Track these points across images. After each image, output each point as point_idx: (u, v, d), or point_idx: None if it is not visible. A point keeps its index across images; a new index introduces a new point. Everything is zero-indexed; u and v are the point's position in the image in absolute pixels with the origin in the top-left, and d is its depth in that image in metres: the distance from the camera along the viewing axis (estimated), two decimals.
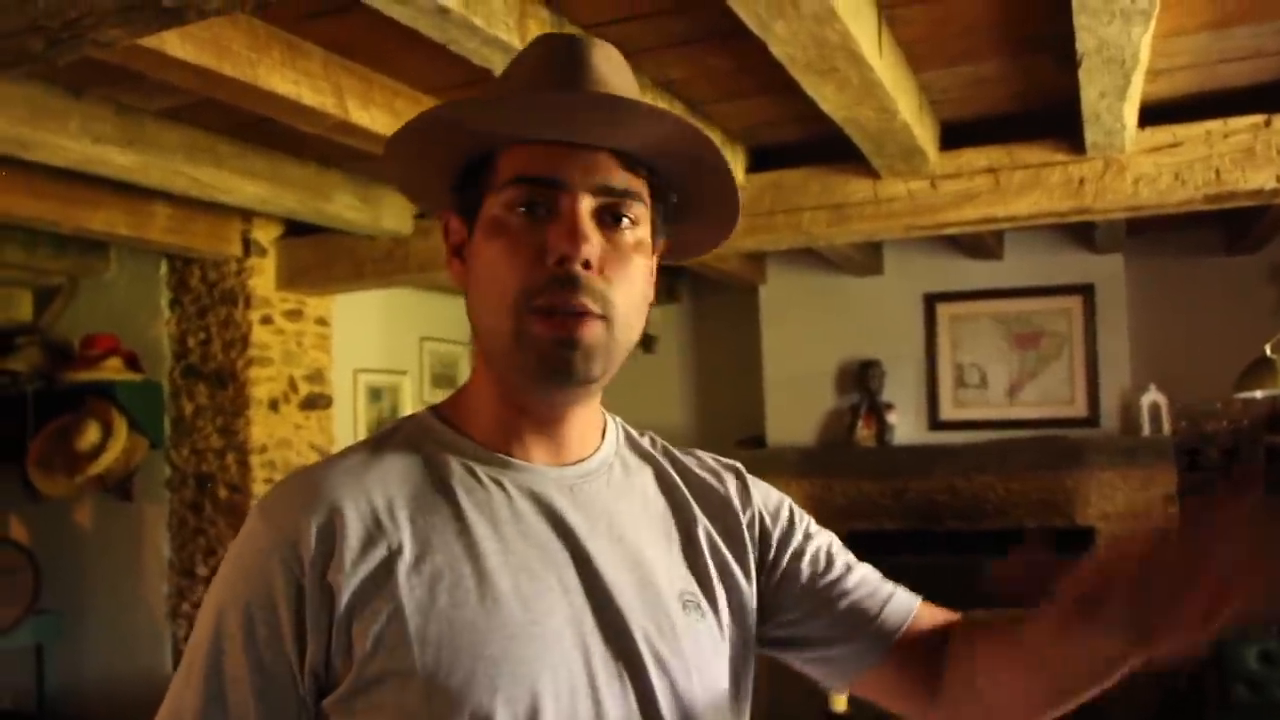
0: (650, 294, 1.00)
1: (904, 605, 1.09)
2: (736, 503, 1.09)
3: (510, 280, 0.90)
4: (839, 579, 1.08)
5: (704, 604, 1.00)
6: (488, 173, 0.94)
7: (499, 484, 0.96)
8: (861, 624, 1.06)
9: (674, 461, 1.10)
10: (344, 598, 0.86)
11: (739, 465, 1.14)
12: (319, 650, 0.87)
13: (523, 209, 0.91)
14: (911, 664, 1.06)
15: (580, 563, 0.95)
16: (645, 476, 1.06)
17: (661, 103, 2.53)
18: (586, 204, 0.92)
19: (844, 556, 1.11)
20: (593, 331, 0.91)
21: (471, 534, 0.92)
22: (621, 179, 0.93)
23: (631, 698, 0.92)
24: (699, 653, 0.98)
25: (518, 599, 0.90)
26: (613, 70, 0.96)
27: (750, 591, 1.06)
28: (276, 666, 0.87)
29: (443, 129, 0.94)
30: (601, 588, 0.94)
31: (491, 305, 0.93)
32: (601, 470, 1.02)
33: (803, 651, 1.08)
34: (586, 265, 0.90)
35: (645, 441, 1.11)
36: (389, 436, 0.99)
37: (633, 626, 0.94)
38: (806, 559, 1.08)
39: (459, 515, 0.93)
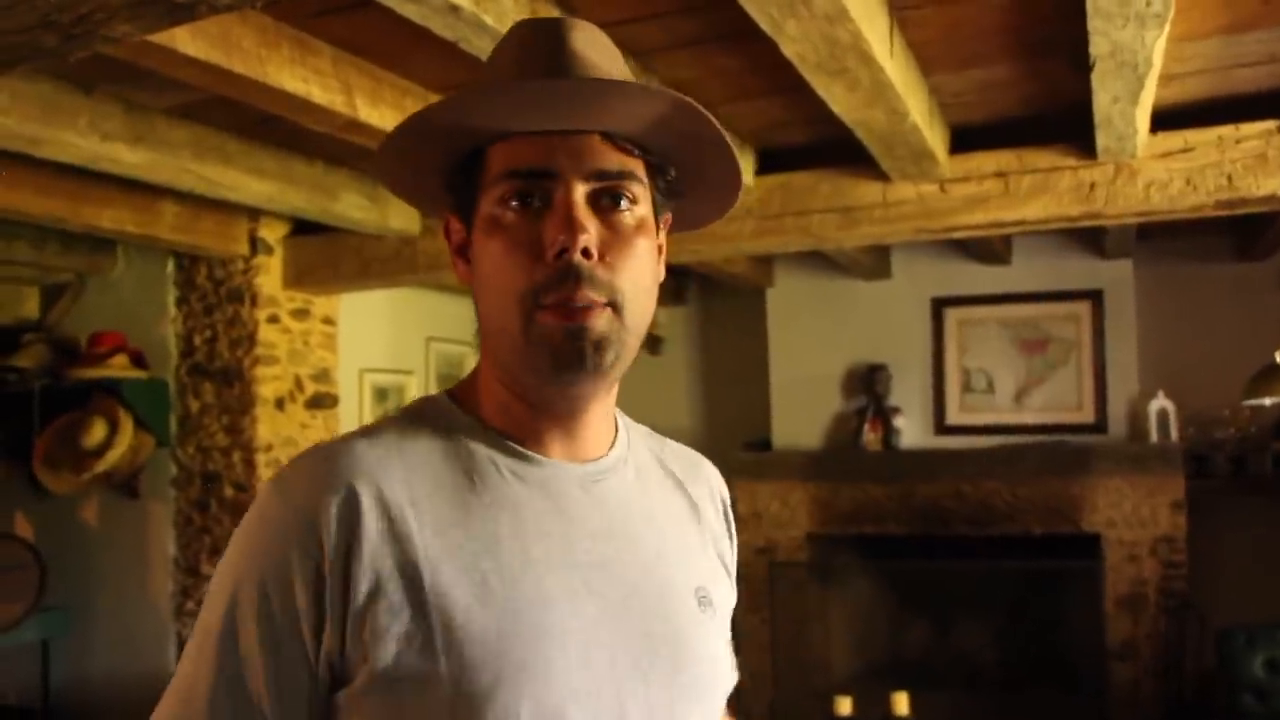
0: (660, 273, 0.98)
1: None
2: (723, 514, 1.13)
3: (514, 279, 0.89)
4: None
5: (714, 599, 1.02)
6: (479, 169, 0.92)
7: (520, 479, 0.94)
8: None
9: (674, 457, 1.11)
10: (363, 589, 0.84)
11: (721, 483, 1.15)
12: (335, 639, 0.85)
13: (515, 203, 0.90)
14: None
15: (602, 562, 0.94)
16: (656, 472, 1.06)
17: None
18: (580, 191, 0.90)
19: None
20: (602, 320, 0.89)
21: (495, 531, 0.90)
22: (615, 161, 0.91)
23: (654, 698, 0.92)
24: (715, 649, 1.00)
25: (541, 600, 0.88)
26: (595, 50, 0.94)
27: (730, 589, 1.09)
28: (291, 651, 0.85)
29: (429, 131, 0.92)
30: (623, 587, 0.94)
31: (498, 305, 0.91)
32: (617, 467, 1.01)
33: None
34: (586, 254, 0.88)
35: (648, 437, 1.11)
36: (410, 418, 0.96)
37: (654, 626, 0.94)
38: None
39: (482, 511, 0.90)
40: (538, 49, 0.92)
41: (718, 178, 1.01)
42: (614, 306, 0.90)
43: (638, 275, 0.92)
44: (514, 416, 0.96)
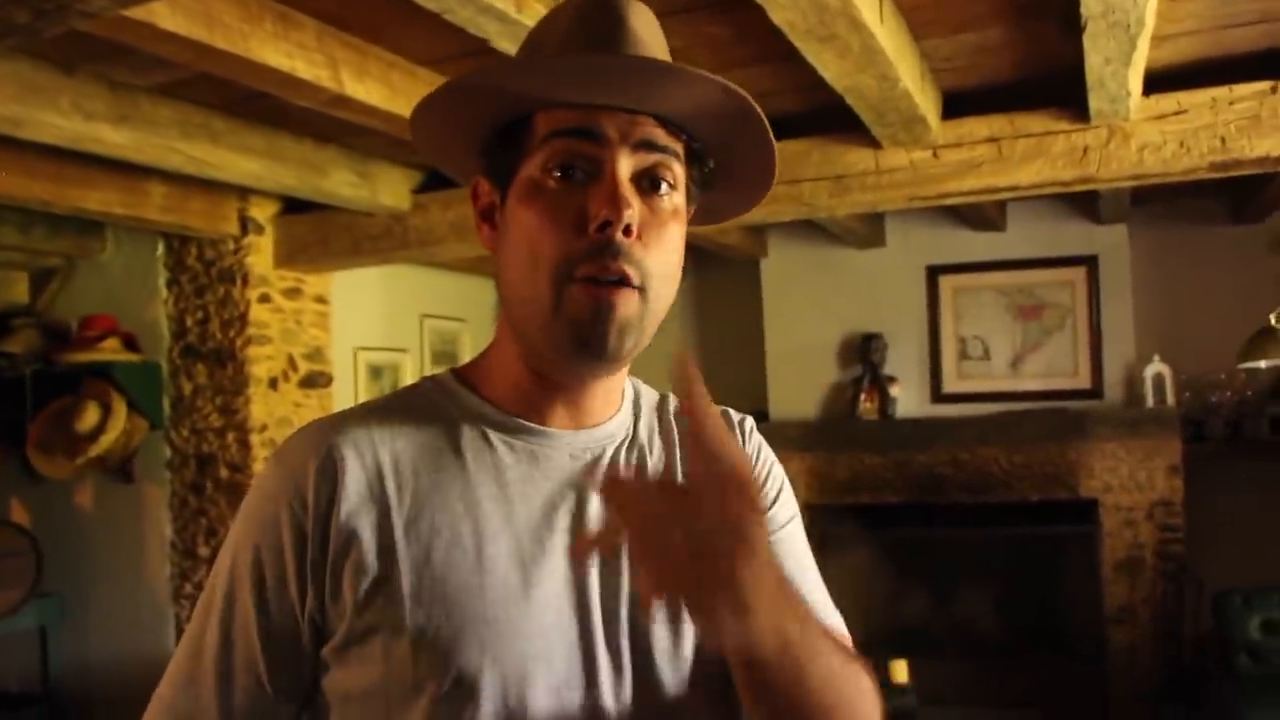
0: (682, 263, 0.97)
1: None
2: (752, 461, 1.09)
3: (549, 247, 0.87)
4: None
5: None
6: (524, 135, 0.91)
7: (509, 447, 0.95)
8: None
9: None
10: (337, 544, 0.88)
11: (750, 422, 1.11)
12: (316, 596, 0.88)
13: (559, 172, 0.89)
14: None
15: (586, 529, 0.94)
16: (655, 439, 1.05)
17: None
18: (626, 166, 0.89)
19: (804, 574, 1.06)
20: (628, 304, 0.88)
21: (474, 494, 0.92)
22: (661, 137, 0.90)
23: (626, 665, 0.92)
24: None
25: (516, 562, 0.90)
26: (651, 31, 0.94)
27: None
28: (281, 612, 0.89)
29: (475, 95, 0.92)
30: (607, 557, 0.94)
31: (528, 273, 0.89)
32: (617, 434, 1.01)
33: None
34: (627, 231, 0.87)
35: (659, 401, 1.09)
36: (408, 394, 1.00)
37: (633, 593, 0.93)
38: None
39: (464, 476, 0.93)
40: (595, 21, 0.91)
41: (751, 173, 1.00)
42: (643, 291, 0.89)
43: (668, 262, 0.92)
44: (520, 387, 0.97)
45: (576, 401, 0.98)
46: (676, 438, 1.04)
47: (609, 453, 0.99)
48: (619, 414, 1.02)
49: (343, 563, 0.88)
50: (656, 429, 1.05)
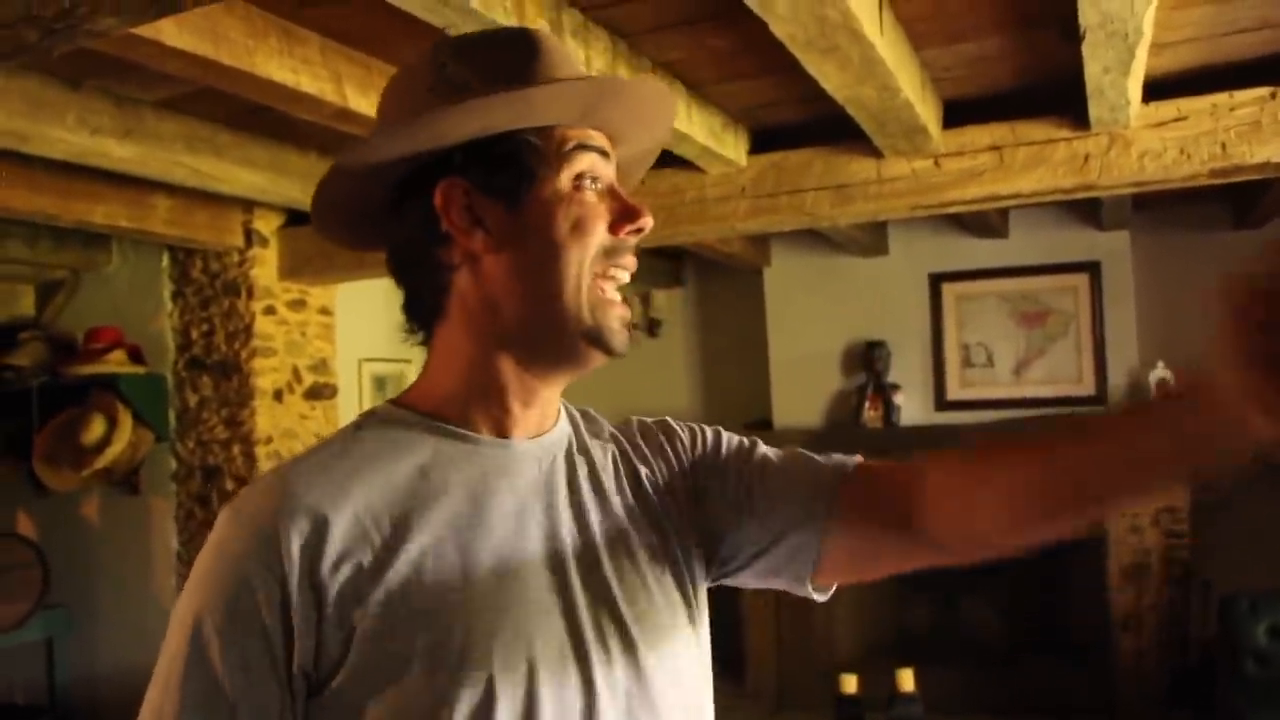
0: None
1: (837, 461, 1.10)
2: (667, 449, 1.12)
3: (589, 245, 0.94)
4: (753, 461, 1.10)
5: (662, 555, 1.04)
6: (529, 147, 0.95)
7: (473, 461, 0.97)
8: (796, 488, 1.07)
9: (614, 426, 1.13)
10: (332, 595, 0.86)
11: (666, 419, 1.16)
12: (309, 649, 0.86)
13: (589, 181, 0.96)
14: (876, 510, 1.05)
15: (558, 531, 0.97)
16: (597, 442, 1.09)
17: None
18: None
19: (759, 447, 1.14)
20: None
21: (451, 511, 0.93)
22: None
23: (617, 661, 0.95)
24: (669, 605, 1.02)
25: (504, 572, 0.92)
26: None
27: (691, 537, 1.08)
28: (260, 668, 0.86)
29: (478, 112, 0.93)
30: (581, 554, 0.98)
31: (562, 270, 0.94)
32: (563, 439, 1.04)
33: (758, 560, 1.07)
34: None
35: (585, 412, 1.13)
36: (355, 430, 1.00)
37: (613, 589, 0.97)
38: (721, 467, 1.10)
39: (437, 495, 0.93)
40: (556, 51, 0.98)
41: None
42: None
43: None
44: (477, 399, 0.99)
45: (534, 409, 1.00)
46: (618, 449, 1.09)
47: (559, 457, 1.02)
48: (560, 421, 1.05)
49: (341, 612, 0.86)
50: (589, 435, 1.08)
